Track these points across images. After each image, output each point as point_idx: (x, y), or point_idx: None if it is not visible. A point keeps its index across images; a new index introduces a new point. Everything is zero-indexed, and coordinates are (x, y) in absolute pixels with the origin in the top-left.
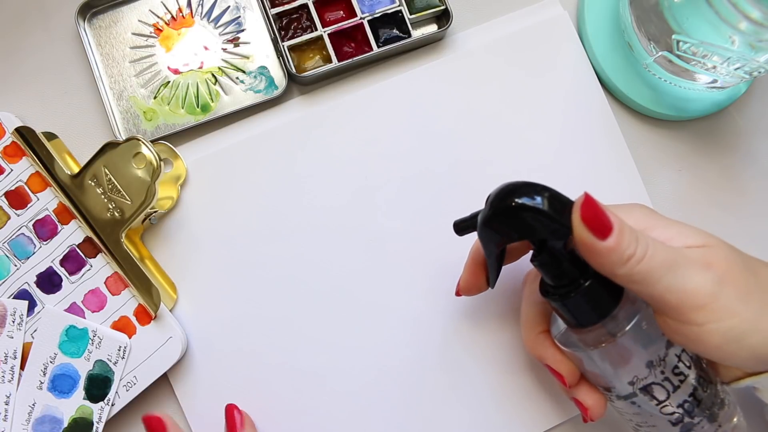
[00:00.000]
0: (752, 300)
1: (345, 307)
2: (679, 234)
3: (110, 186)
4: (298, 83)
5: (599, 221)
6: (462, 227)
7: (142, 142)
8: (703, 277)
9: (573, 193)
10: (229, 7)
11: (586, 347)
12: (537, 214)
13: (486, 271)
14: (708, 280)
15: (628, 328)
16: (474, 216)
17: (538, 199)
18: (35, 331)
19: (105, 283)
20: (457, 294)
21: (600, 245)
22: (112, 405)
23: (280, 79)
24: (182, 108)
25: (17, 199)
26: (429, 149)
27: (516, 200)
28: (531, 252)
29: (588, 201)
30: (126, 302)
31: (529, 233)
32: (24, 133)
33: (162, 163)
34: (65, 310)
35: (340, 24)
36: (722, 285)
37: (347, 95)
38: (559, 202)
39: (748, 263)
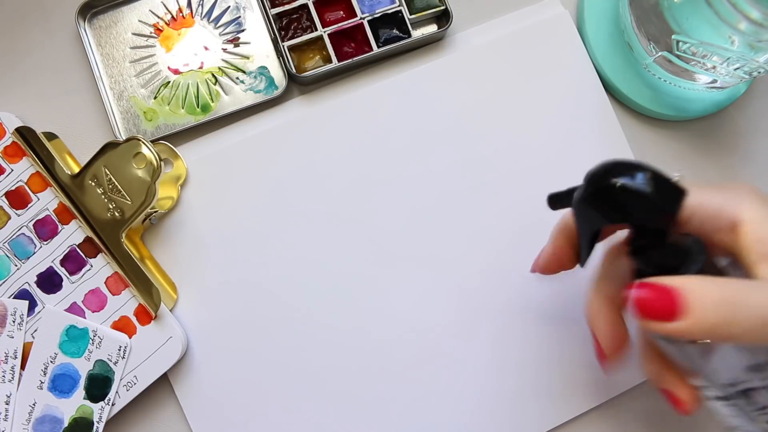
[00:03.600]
0: None
1: (345, 306)
2: None
3: (110, 186)
4: (298, 83)
5: (660, 310)
6: (556, 201)
7: (143, 142)
8: None
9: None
10: (229, 7)
11: (684, 342)
12: (639, 198)
13: (573, 248)
14: None
15: None
16: (570, 191)
17: (641, 180)
18: (36, 330)
19: (105, 283)
20: (533, 270)
21: (671, 327)
22: (113, 405)
23: (280, 79)
24: (182, 108)
25: (18, 199)
26: (429, 149)
27: (617, 181)
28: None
29: (641, 301)
30: (126, 302)
31: (627, 217)
32: (24, 133)
33: (162, 163)
34: (65, 310)
35: (340, 24)
36: None
37: (347, 95)
38: (664, 185)
39: None
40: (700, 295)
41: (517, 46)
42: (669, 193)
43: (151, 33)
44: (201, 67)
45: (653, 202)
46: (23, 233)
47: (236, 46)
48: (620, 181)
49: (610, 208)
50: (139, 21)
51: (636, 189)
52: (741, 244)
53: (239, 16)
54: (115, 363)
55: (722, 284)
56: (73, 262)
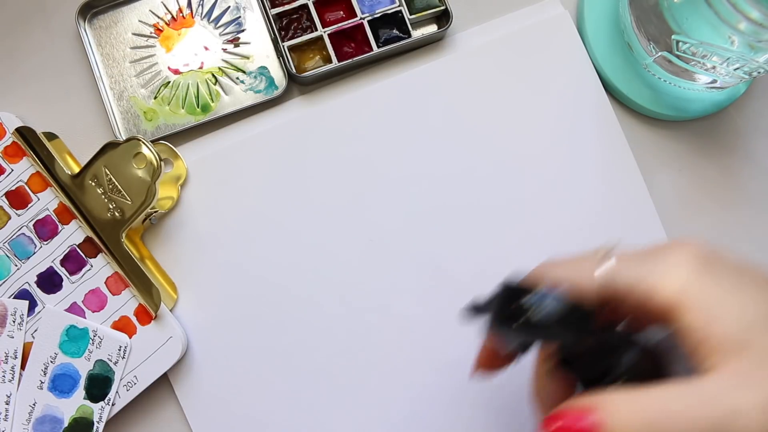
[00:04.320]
0: None
1: (345, 306)
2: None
3: (111, 186)
4: (298, 83)
5: None
6: (475, 311)
7: (143, 142)
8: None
9: (576, 194)
10: (229, 7)
11: None
12: (545, 321)
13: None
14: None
15: None
16: (491, 301)
17: (543, 303)
18: (36, 330)
19: (105, 282)
20: (473, 375)
21: None
22: (113, 405)
23: (280, 79)
24: (182, 108)
25: (18, 199)
26: (429, 148)
27: (516, 305)
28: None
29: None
30: (126, 302)
31: (540, 336)
32: (24, 133)
33: (162, 163)
34: (66, 310)
35: (340, 24)
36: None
37: (347, 95)
38: (569, 307)
39: None
40: (624, 414)
41: (517, 46)
42: (576, 313)
43: (151, 33)
44: (201, 67)
45: (560, 326)
46: (23, 233)
47: (236, 46)
48: (519, 305)
49: (518, 331)
50: (139, 21)
51: (537, 318)
52: (681, 328)
53: (239, 16)
54: (115, 363)
55: (648, 397)
56: (73, 262)
